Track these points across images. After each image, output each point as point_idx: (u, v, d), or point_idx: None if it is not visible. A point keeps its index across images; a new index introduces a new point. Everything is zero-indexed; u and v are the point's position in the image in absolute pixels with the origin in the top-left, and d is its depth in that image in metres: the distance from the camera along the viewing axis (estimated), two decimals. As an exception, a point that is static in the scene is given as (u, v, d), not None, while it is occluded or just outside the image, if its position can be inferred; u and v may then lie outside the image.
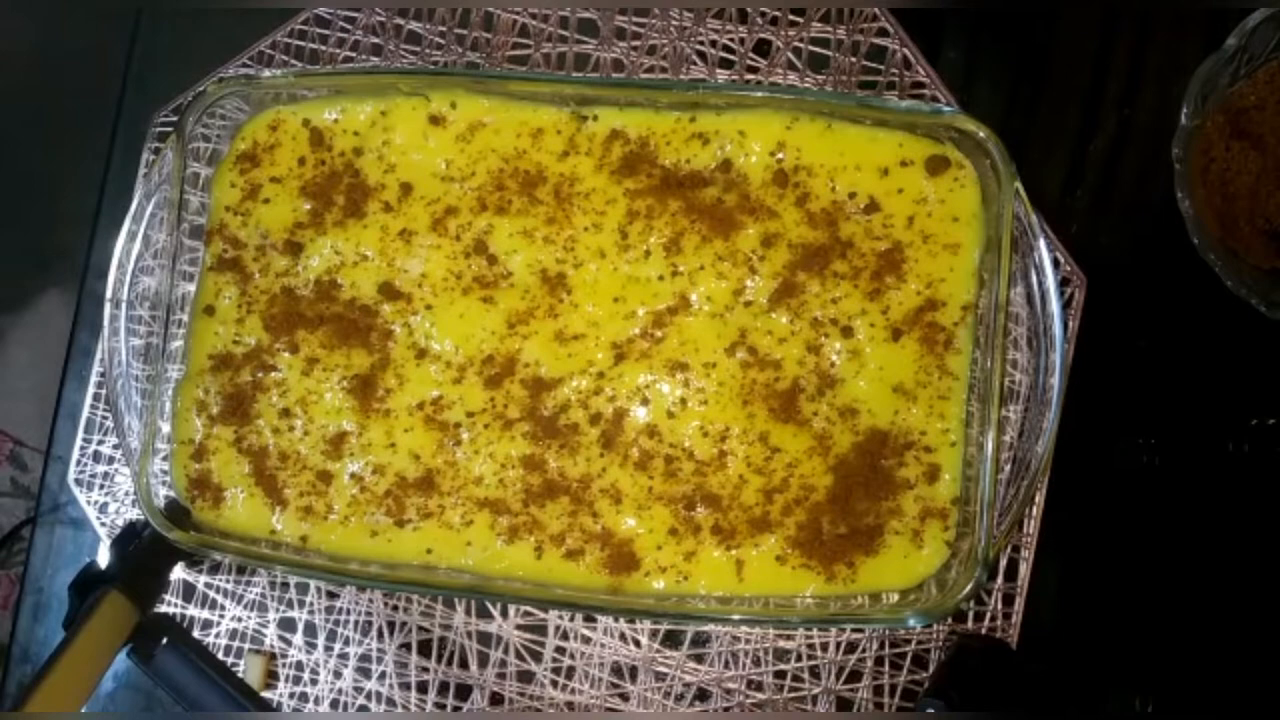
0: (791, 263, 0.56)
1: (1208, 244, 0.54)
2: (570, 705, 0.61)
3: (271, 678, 0.62)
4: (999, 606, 0.59)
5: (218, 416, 0.59)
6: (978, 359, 0.55)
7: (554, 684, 0.61)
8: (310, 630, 0.62)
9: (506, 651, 0.61)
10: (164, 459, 0.58)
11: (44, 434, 0.66)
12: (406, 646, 0.62)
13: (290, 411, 0.58)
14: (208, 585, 0.63)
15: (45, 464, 0.66)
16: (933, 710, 0.53)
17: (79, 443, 0.64)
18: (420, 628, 0.61)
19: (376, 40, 0.64)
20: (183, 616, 0.63)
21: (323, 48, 0.65)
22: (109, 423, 0.64)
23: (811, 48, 0.62)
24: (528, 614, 0.61)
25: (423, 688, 0.61)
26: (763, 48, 0.62)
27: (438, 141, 0.58)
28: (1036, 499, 0.58)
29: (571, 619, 0.61)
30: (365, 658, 0.62)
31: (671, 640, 0.61)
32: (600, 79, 0.63)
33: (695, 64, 0.63)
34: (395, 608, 0.62)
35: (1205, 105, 0.55)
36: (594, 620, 0.61)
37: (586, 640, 0.61)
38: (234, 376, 0.59)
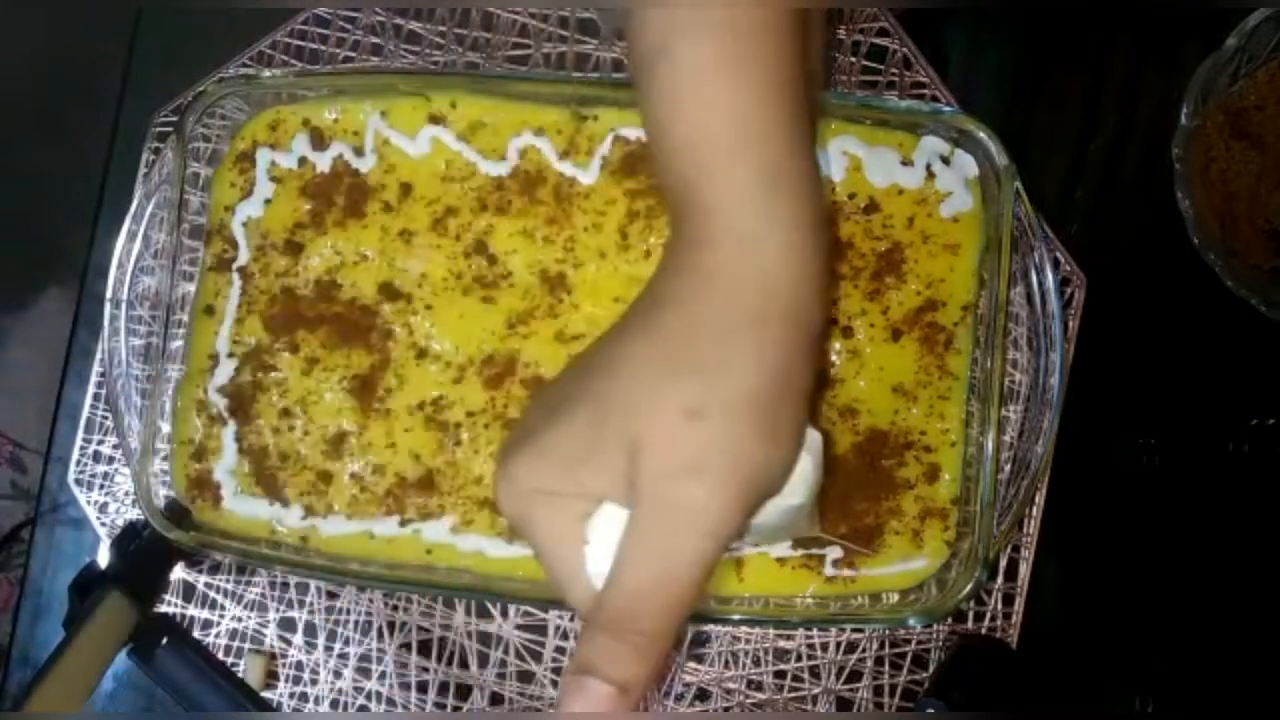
0: (791, 263, 0.56)
1: (1208, 244, 0.54)
2: (570, 705, 0.61)
3: (271, 678, 0.62)
4: (999, 606, 0.59)
5: (217, 416, 0.59)
6: (978, 359, 0.55)
7: (554, 684, 0.61)
8: (310, 630, 0.62)
9: (506, 651, 0.61)
10: (164, 459, 0.58)
11: (43, 436, 0.66)
12: (406, 646, 0.62)
13: (290, 411, 0.58)
14: (208, 585, 0.63)
15: (45, 464, 0.66)
16: (933, 710, 0.53)
17: (79, 443, 0.64)
18: (420, 628, 0.61)
19: (376, 40, 0.64)
20: (183, 616, 0.63)
21: (323, 48, 0.64)
22: (109, 423, 0.64)
23: (811, 48, 0.62)
24: (528, 614, 0.61)
25: (423, 688, 0.61)
26: (763, 48, 0.62)
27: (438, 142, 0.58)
28: (1036, 499, 0.58)
29: (572, 619, 0.61)
30: (365, 658, 0.62)
31: (671, 640, 0.60)
32: (600, 79, 0.62)
33: (695, 64, 0.63)
34: (395, 608, 0.62)
35: (1205, 105, 0.55)
36: (594, 620, 0.61)
37: (586, 640, 0.61)
38: (234, 376, 0.59)
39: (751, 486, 0.32)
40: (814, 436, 0.36)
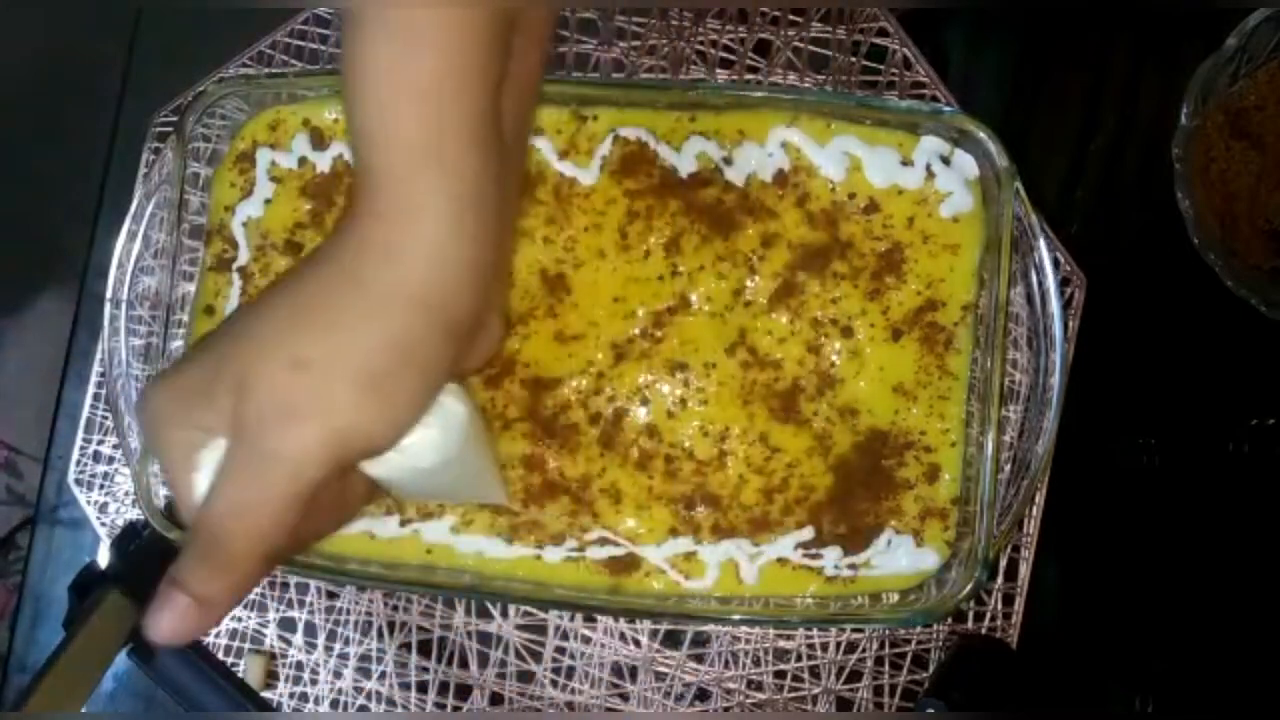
0: (791, 263, 0.56)
1: (1208, 244, 0.54)
2: (570, 705, 0.61)
3: (271, 678, 0.62)
4: (999, 606, 0.59)
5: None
6: (978, 359, 0.55)
7: (554, 684, 0.61)
8: (310, 630, 0.62)
9: (506, 651, 0.61)
10: (164, 459, 0.58)
11: (40, 439, 0.66)
12: (406, 646, 0.62)
13: (290, 411, 0.58)
14: (208, 585, 0.63)
15: (45, 464, 0.66)
16: (933, 710, 0.53)
17: (79, 443, 0.64)
18: (420, 628, 0.61)
19: (376, 40, 0.64)
20: (183, 616, 0.63)
21: (323, 48, 0.64)
22: (109, 423, 0.64)
23: (811, 48, 0.62)
24: (528, 614, 0.61)
25: (423, 688, 0.61)
26: (763, 48, 0.62)
27: (438, 141, 0.58)
28: (1036, 499, 0.58)
29: (571, 619, 0.61)
30: (365, 658, 0.62)
31: (671, 640, 0.61)
32: (600, 79, 0.63)
33: (695, 64, 0.63)
34: (395, 608, 0.62)
35: (1205, 105, 0.55)
36: (594, 620, 0.61)
37: (586, 640, 0.61)
38: (234, 376, 0.59)
39: (341, 438, 0.35)
40: (456, 410, 0.39)
